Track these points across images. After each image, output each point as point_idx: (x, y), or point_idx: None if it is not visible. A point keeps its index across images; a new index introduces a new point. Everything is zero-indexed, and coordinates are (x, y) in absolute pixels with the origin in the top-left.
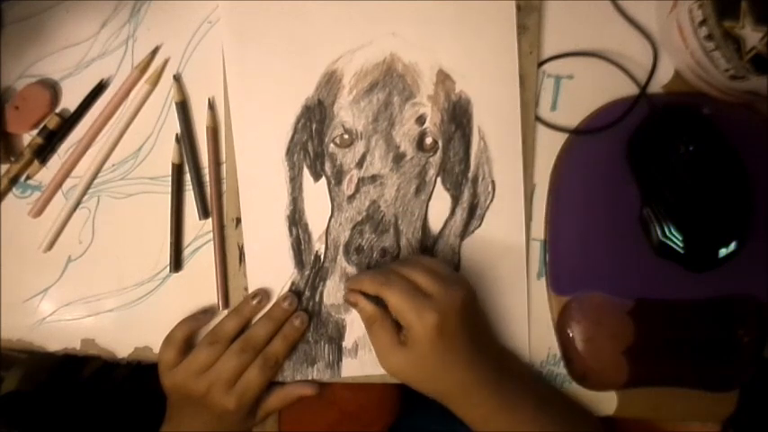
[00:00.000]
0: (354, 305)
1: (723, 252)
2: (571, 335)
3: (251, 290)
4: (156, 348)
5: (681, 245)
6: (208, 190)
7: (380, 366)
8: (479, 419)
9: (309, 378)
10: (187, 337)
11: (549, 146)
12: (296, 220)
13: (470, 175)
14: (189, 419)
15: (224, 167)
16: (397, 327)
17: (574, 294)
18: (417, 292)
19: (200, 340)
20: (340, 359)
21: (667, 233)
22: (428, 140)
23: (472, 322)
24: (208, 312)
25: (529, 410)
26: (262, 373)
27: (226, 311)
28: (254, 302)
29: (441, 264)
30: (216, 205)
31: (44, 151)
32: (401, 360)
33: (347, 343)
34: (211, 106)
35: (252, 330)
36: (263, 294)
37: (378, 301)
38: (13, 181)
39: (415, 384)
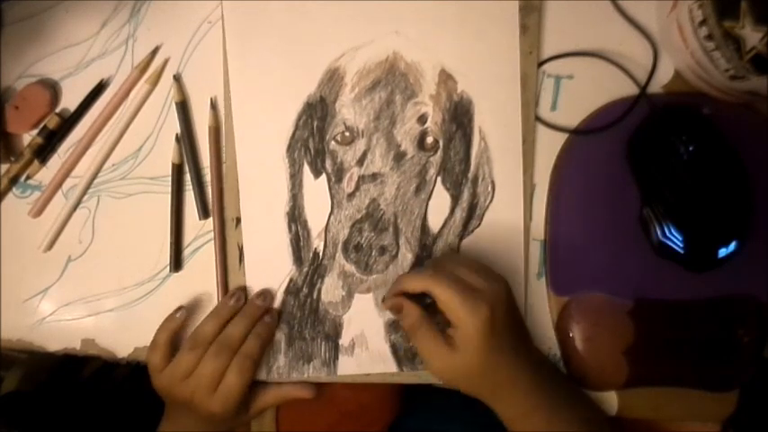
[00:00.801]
0: (398, 312)
1: (723, 252)
2: (571, 335)
3: (250, 286)
4: None
5: (681, 245)
6: (208, 190)
7: (374, 366)
8: (518, 417)
9: (305, 375)
10: (170, 339)
11: (549, 146)
12: (295, 216)
13: (470, 175)
14: (185, 418)
15: (224, 167)
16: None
17: (574, 294)
18: (467, 286)
19: (183, 345)
20: (336, 357)
21: (667, 233)
22: (429, 140)
23: (515, 316)
24: (183, 310)
25: (563, 409)
26: (240, 374)
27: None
28: (232, 302)
29: (477, 261)
30: (217, 205)
31: (44, 151)
32: (451, 361)
33: (344, 341)
34: (214, 106)
35: (226, 331)
36: (241, 294)
37: (419, 302)
38: (13, 181)
39: (463, 385)
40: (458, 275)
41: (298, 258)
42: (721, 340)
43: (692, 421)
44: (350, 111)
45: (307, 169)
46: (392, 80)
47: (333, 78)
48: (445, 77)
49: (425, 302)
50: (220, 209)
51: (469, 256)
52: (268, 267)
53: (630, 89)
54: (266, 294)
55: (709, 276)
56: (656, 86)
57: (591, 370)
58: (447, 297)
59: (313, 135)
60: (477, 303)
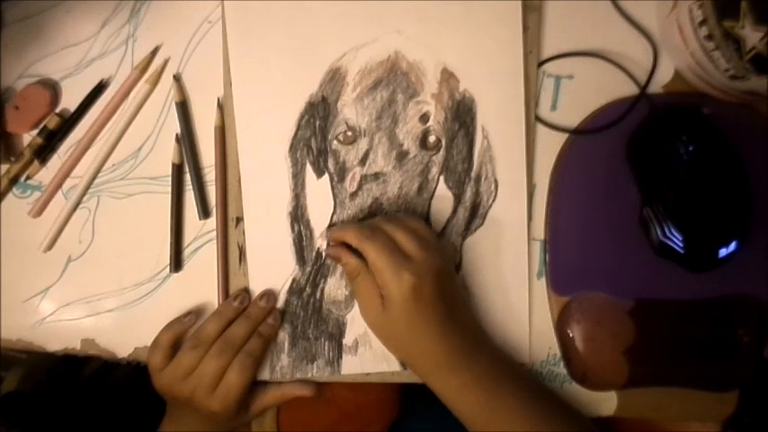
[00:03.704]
0: (337, 260)
1: (723, 252)
2: (571, 335)
3: (252, 286)
4: None
5: (681, 245)
6: (208, 190)
7: (378, 365)
8: (451, 394)
9: (309, 375)
10: (173, 341)
11: (549, 146)
12: (298, 216)
13: (473, 174)
14: (185, 417)
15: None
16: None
17: (574, 294)
18: (398, 251)
19: (184, 344)
20: (340, 356)
21: (667, 233)
22: (431, 139)
23: (448, 293)
24: (192, 315)
25: (505, 383)
26: (240, 373)
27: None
28: (236, 304)
29: (425, 227)
30: (220, 204)
31: (44, 151)
32: (379, 316)
33: (347, 340)
34: (220, 105)
35: (230, 331)
36: (245, 295)
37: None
38: (13, 181)
39: (388, 345)
40: (393, 239)
41: (300, 258)
42: (721, 340)
43: (692, 421)
44: (352, 110)
45: (309, 169)
46: (394, 79)
47: (334, 78)
48: (447, 76)
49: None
50: (224, 209)
51: (422, 223)
52: (271, 267)
53: (630, 89)
54: (269, 296)
55: (710, 276)
56: (656, 86)
57: (591, 370)
58: (376, 260)
59: (315, 135)
60: (401, 271)
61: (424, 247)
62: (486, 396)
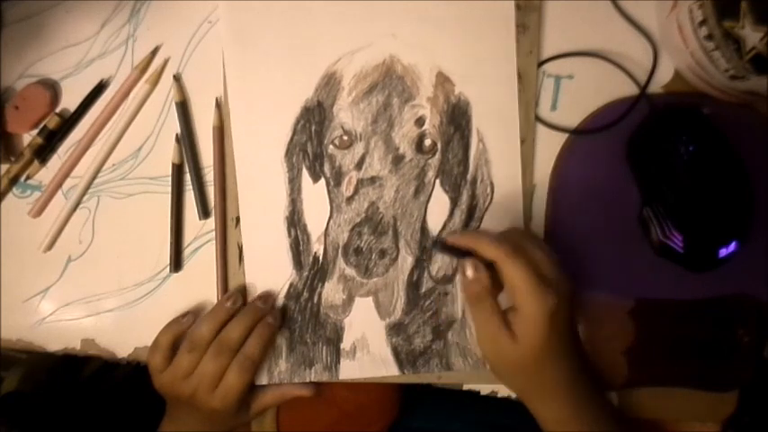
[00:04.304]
0: (467, 270)
1: (723, 252)
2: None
3: (250, 292)
4: None
5: (681, 245)
6: (208, 190)
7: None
8: (556, 421)
9: (307, 380)
10: (172, 342)
11: (549, 146)
12: (295, 221)
13: (469, 176)
14: (185, 416)
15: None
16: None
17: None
18: (540, 272)
19: (180, 347)
20: (338, 361)
21: (667, 233)
22: (427, 142)
23: (573, 320)
24: (191, 315)
25: (600, 422)
26: (240, 373)
27: None
28: (228, 304)
29: (552, 250)
30: (219, 204)
31: (44, 151)
32: (505, 347)
33: (345, 345)
34: (218, 105)
35: (225, 332)
36: (237, 296)
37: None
38: (13, 181)
39: (508, 375)
40: (534, 258)
41: (298, 263)
42: (721, 340)
43: (692, 421)
44: (347, 114)
45: (305, 174)
46: (389, 83)
47: (330, 83)
48: (442, 80)
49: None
50: (223, 209)
51: (547, 245)
52: (268, 273)
53: (630, 89)
54: (267, 297)
55: (710, 276)
56: (656, 86)
57: (591, 370)
58: (519, 278)
59: (311, 139)
60: (547, 292)
61: (559, 268)
62: (588, 425)
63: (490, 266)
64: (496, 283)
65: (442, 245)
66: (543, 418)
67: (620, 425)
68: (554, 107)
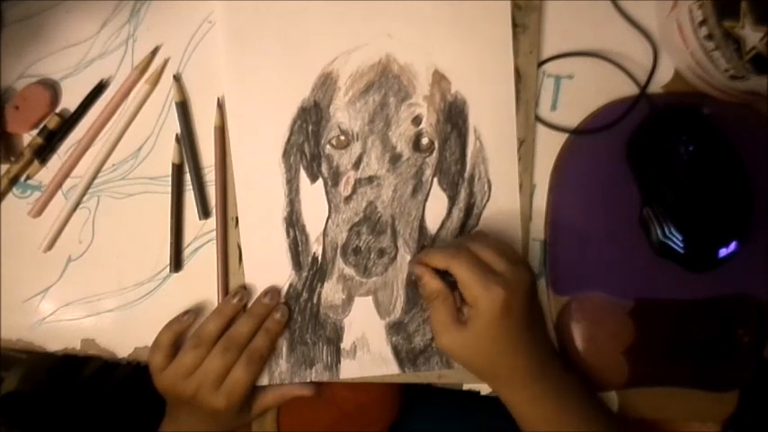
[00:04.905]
0: (419, 278)
1: (723, 252)
2: (571, 335)
3: (249, 290)
4: None
5: (681, 245)
6: (208, 190)
7: (376, 369)
8: (524, 401)
9: (308, 380)
10: (173, 341)
11: (549, 146)
12: (293, 221)
13: (467, 175)
14: (186, 417)
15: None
16: (458, 307)
17: (574, 294)
18: (486, 267)
19: (185, 344)
20: (338, 361)
21: (667, 233)
22: (424, 141)
23: (533, 307)
24: (191, 313)
25: (572, 400)
26: (247, 370)
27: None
28: (235, 301)
29: (507, 244)
30: (220, 204)
31: (44, 151)
32: (458, 338)
33: (345, 344)
34: (220, 105)
35: (234, 328)
36: (244, 293)
37: (443, 278)
38: (13, 181)
39: (468, 363)
40: (480, 256)
41: (297, 263)
42: (721, 340)
43: (692, 421)
44: (344, 114)
45: (303, 174)
46: (385, 82)
47: (326, 82)
48: (439, 78)
49: (448, 280)
50: (224, 208)
51: (502, 241)
52: (267, 273)
53: (630, 89)
54: (273, 292)
55: (710, 276)
56: (656, 86)
57: (591, 370)
58: (465, 276)
59: (308, 140)
60: (492, 286)
61: (512, 261)
62: (554, 410)
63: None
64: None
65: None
66: (512, 402)
67: (600, 414)
68: (554, 107)
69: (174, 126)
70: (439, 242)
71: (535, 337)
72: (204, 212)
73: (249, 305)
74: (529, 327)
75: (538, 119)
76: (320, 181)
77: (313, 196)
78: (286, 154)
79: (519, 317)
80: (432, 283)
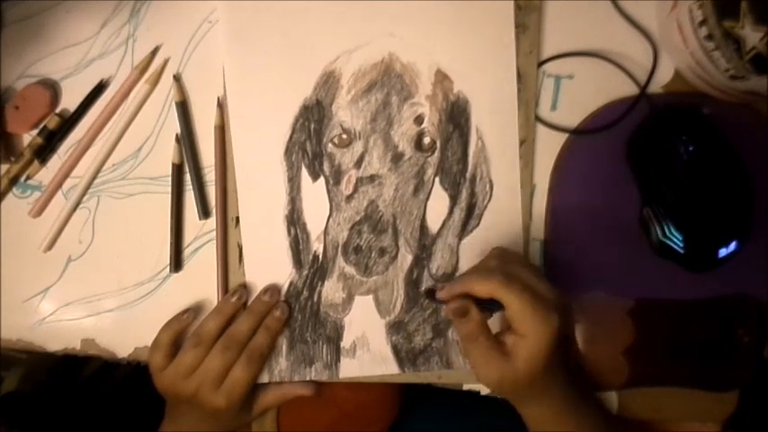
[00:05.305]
0: (462, 312)
1: (723, 252)
2: (571, 335)
3: (250, 289)
4: None
5: (681, 245)
6: (208, 190)
7: (376, 368)
8: (546, 419)
9: (307, 379)
10: (173, 340)
11: (549, 146)
12: (294, 219)
13: (468, 174)
14: (186, 417)
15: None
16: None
17: (574, 294)
18: (537, 295)
19: (185, 343)
20: (338, 359)
21: (667, 233)
22: (426, 140)
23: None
24: (191, 312)
25: (590, 415)
26: (247, 368)
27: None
28: (234, 299)
29: (534, 263)
30: (220, 203)
31: (44, 151)
32: (502, 371)
33: (345, 343)
34: (220, 105)
35: (234, 327)
36: (243, 291)
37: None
38: (13, 181)
39: (512, 393)
40: (528, 283)
41: (297, 261)
42: (721, 340)
43: (692, 421)
44: (346, 113)
45: (304, 172)
46: (388, 82)
47: (329, 81)
48: (441, 77)
49: (484, 307)
50: (223, 208)
51: (527, 258)
52: (268, 271)
53: (630, 89)
54: (272, 290)
55: (710, 276)
56: (656, 86)
57: (591, 370)
58: (519, 307)
59: (310, 138)
60: (549, 314)
61: (551, 285)
62: (575, 424)
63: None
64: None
65: (432, 296)
66: (534, 419)
67: (610, 423)
68: (554, 107)
69: (174, 126)
70: (464, 270)
71: (566, 355)
72: (204, 212)
73: (249, 303)
74: (565, 347)
75: (538, 119)
76: (322, 179)
77: (314, 195)
78: (288, 152)
79: (562, 343)
80: (475, 319)
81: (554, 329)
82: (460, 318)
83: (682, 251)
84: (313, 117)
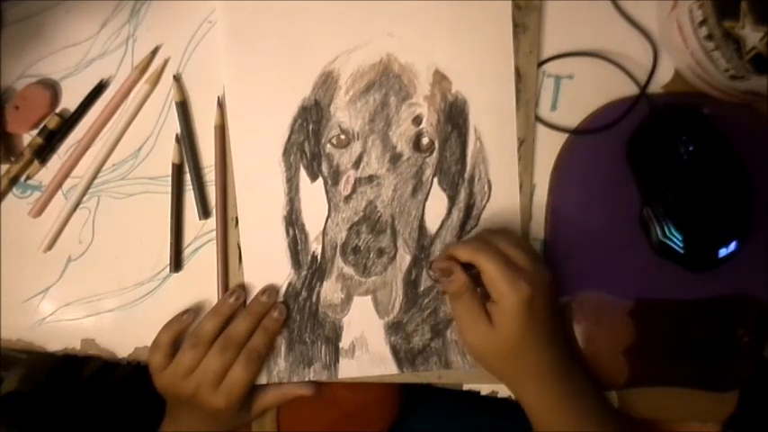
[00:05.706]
0: (447, 272)
1: (723, 252)
2: (571, 335)
3: (248, 290)
4: None
5: (681, 245)
6: (208, 190)
7: (375, 368)
8: (544, 407)
9: (306, 379)
10: (173, 340)
11: (549, 146)
12: (293, 220)
13: (467, 175)
14: (186, 417)
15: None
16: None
17: (574, 294)
18: (513, 264)
19: (183, 343)
20: (337, 360)
21: (667, 233)
22: (425, 141)
23: (553, 306)
24: (191, 312)
25: (587, 404)
26: (246, 368)
27: None
28: (232, 300)
29: (527, 242)
30: (220, 203)
31: (44, 151)
32: (485, 335)
33: (344, 344)
34: (220, 104)
35: (231, 327)
36: (240, 292)
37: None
38: (13, 181)
39: (491, 364)
40: (506, 252)
41: (296, 262)
42: (721, 340)
43: (692, 421)
44: (345, 113)
45: (303, 173)
46: (386, 82)
47: (327, 81)
48: (439, 78)
49: (471, 273)
50: (223, 208)
51: (520, 236)
52: (266, 272)
53: (630, 89)
54: (270, 291)
55: (710, 276)
56: (656, 86)
57: (591, 370)
58: (492, 270)
59: (308, 139)
60: (519, 281)
61: (535, 259)
62: (574, 413)
63: (470, 268)
64: (479, 285)
65: (434, 266)
66: (528, 404)
67: (611, 415)
68: (554, 107)
69: (174, 126)
70: (443, 241)
71: (556, 337)
72: (204, 212)
73: (247, 304)
74: (552, 327)
75: (538, 119)
76: (320, 180)
77: (313, 195)
78: (286, 153)
79: (542, 315)
80: (460, 279)
81: (522, 297)
82: (446, 278)
83: (682, 251)
84: (311, 117)
